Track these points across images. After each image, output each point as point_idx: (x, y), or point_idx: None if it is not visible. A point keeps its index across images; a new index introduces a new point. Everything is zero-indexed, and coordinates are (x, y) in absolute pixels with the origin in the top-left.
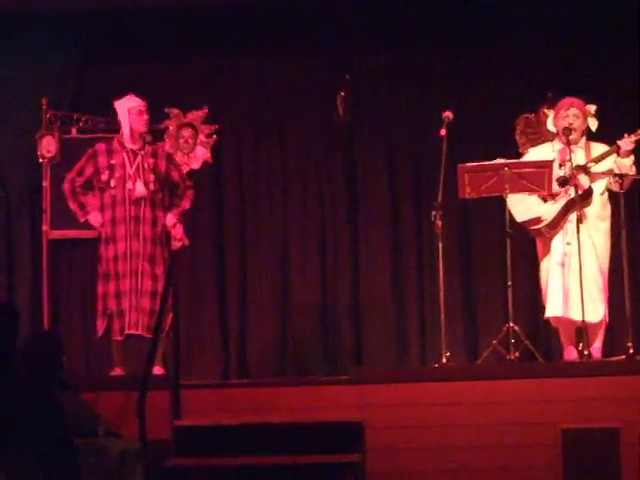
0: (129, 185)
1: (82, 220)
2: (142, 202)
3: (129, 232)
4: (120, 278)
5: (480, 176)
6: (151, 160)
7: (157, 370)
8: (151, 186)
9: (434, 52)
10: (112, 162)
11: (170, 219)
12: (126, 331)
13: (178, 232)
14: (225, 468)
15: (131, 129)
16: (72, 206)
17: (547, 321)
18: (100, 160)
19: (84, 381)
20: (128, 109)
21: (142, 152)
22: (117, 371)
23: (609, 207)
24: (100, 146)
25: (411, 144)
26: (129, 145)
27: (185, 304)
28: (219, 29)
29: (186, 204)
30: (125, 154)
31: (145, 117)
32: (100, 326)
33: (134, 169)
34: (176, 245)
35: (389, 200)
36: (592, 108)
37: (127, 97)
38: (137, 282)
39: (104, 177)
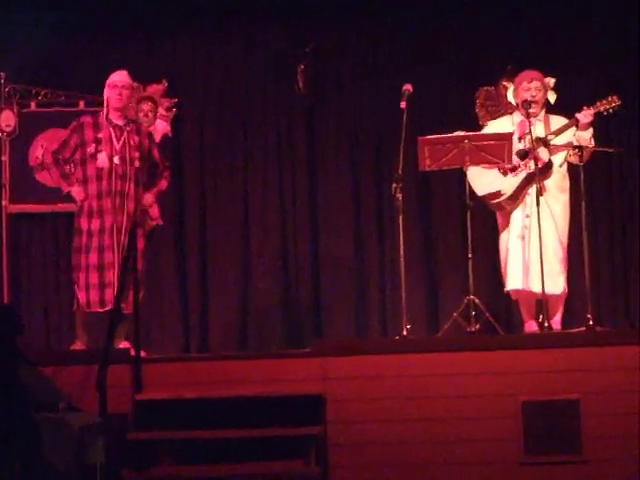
0: (116, 160)
1: (65, 191)
2: (127, 178)
3: (115, 206)
4: (104, 251)
5: (440, 149)
6: (136, 137)
7: (124, 345)
8: (136, 163)
9: (395, 23)
10: (99, 136)
11: (148, 198)
12: (108, 305)
13: (154, 212)
14: (186, 441)
15: (107, 103)
16: (55, 175)
17: (507, 294)
18: (86, 132)
19: (44, 355)
20: (107, 83)
21: (127, 128)
22: (78, 345)
23: (568, 179)
24: (86, 119)
25: (372, 116)
26: (115, 120)
27: (146, 279)
28: (179, 2)
29: (164, 184)
30: (112, 129)
31: (121, 92)
32: (82, 298)
33: (120, 144)
34: (151, 224)
35: (350, 172)
36: (551, 81)
37: (116, 72)
38: (116, 256)
39: (90, 149)
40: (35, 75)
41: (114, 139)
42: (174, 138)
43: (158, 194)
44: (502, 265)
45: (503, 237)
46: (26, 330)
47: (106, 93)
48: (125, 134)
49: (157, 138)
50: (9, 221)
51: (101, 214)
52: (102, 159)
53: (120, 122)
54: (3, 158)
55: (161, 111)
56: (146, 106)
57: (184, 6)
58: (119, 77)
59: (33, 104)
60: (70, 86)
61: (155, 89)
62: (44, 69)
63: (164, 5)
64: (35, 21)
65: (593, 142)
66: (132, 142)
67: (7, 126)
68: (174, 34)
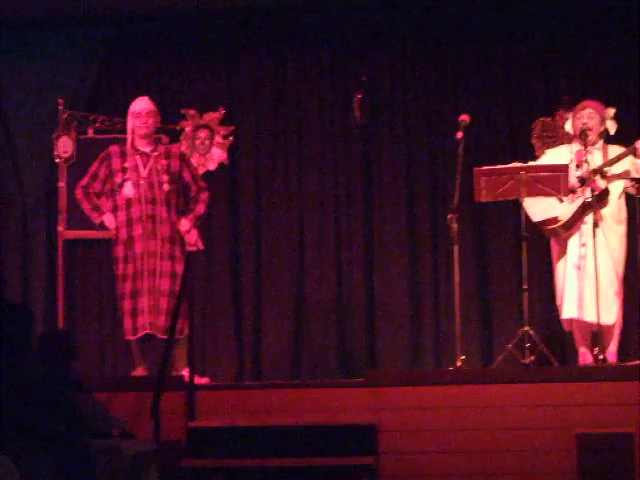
0: (143, 186)
1: (97, 222)
2: (157, 202)
3: (146, 232)
4: (137, 278)
5: (496, 180)
6: (164, 161)
7: (186, 373)
8: (165, 187)
9: (452, 53)
10: (125, 165)
11: (185, 224)
12: (140, 332)
13: (192, 237)
14: (239, 470)
15: (133, 131)
16: (86, 208)
17: (561, 323)
18: (114, 162)
19: (98, 381)
20: (130, 112)
21: (155, 153)
22: (139, 371)
23: (625, 211)
24: (113, 148)
25: (428, 147)
26: (141, 147)
27: (200, 306)
28: (236, 29)
29: (201, 208)
30: (138, 156)
31: (144, 121)
32: (125, 326)
33: (147, 171)
34: (190, 250)
35: (405, 203)
36: (611, 111)
37: (137, 100)
38: (154, 282)
39: (117, 179)
40: (93, 102)
41: (140, 166)
42: (230, 166)
43: (195, 219)
44: (558, 294)
45: (559, 266)
46: (80, 356)
47: (130, 122)
48: (152, 159)
49: (213, 166)
50: (65, 247)
51: (131, 241)
52: (128, 188)
53: (147, 149)
54: (61, 184)
55: (217, 139)
56: (203, 134)
57: (241, 33)
58: (141, 105)
59: (91, 131)
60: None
61: (212, 117)
62: (102, 96)
63: (221, 32)
64: (91, 46)
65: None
66: (160, 166)
67: (65, 152)
68: (231, 61)
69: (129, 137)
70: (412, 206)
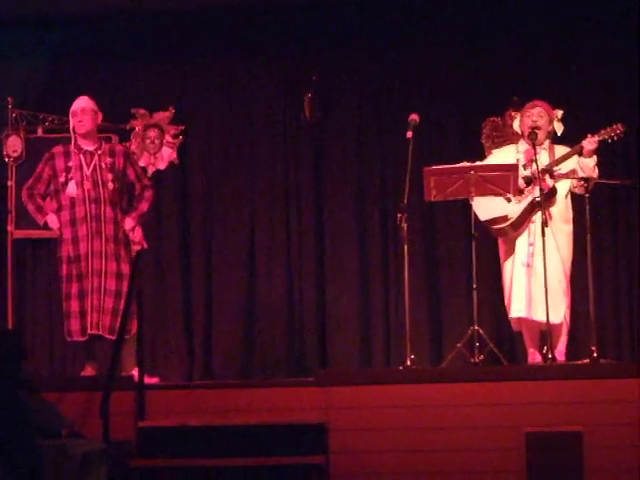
0: (87, 185)
1: (41, 223)
2: (102, 201)
3: (90, 231)
4: (83, 278)
5: (446, 179)
6: (109, 159)
7: (135, 372)
8: (109, 185)
9: (402, 53)
10: (69, 164)
11: (129, 222)
12: (88, 331)
13: (137, 235)
14: (189, 469)
15: (73, 130)
16: (30, 209)
17: (510, 322)
18: (57, 162)
19: (48, 381)
20: (70, 111)
21: (99, 152)
22: (88, 371)
23: (571, 210)
24: (57, 149)
25: (378, 146)
26: (85, 146)
27: (150, 305)
28: (186, 29)
29: (144, 206)
30: (82, 155)
31: (82, 118)
32: (67, 327)
33: (91, 169)
34: (135, 249)
35: (356, 202)
36: (559, 113)
37: (76, 99)
38: (100, 281)
39: (61, 179)
40: (42, 101)
41: (84, 165)
42: (180, 165)
43: (139, 217)
44: (506, 293)
45: (507, 265)
46: (29, 356)
47: (70, 121)
48: (96, 158)
49: (163, 165)
50: (14, 246)
51: (76, 241)
52: (71, 187)
53: (90, 147)
54: (9, 183)
55: (167, 138)
56: (153, 133)
57: (191, 34)
58: (78, 103)
59: (40, 130)
60: None
61: (162, 116)
62: (51, 95)
63: (171, 33)
64: (41, 46)
65: (597, 170)
66: (104, 165)
67: (14, 152)
68: (180, 61)
69: (72, 136)
70: (362, 205)
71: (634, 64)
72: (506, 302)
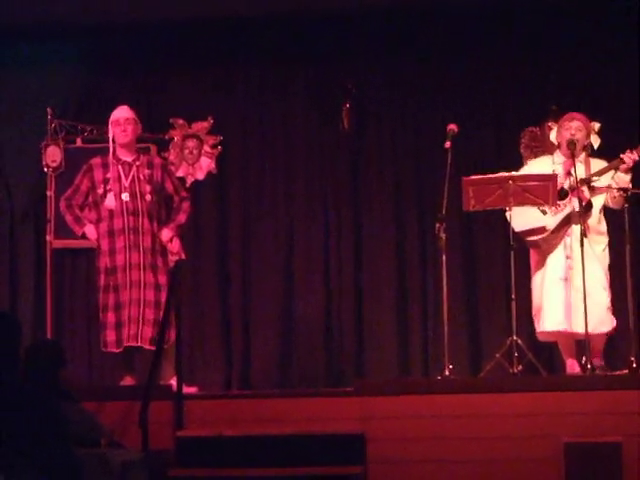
0: (125, 197)
1: (79, 233)
2: (139, 213)
3: (128, 243)
4: (119, 290)
5: (484, 189)
6: (147, 171)
7: (174, 382)
8: (147, 197)
9: (441, 63)
10: (107, 176)
11: (166, 233)
12: (125, 343)
13: (175, 247)
14: (227, 479)
15: (113, 141)
16: (69, 220)
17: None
18: (96, 174)
19: (87, 390)
20: (111, 121)
21: (137, 163)
22: (127, 380)
23: (605, 223)
24: (95, 160)
25: (416, 156)
26: (123, 157)
27: (189, 315)
28: (225, 40)
29: (182, 217)
30: (120, 166)
31: (125, 128)
32: (102, 338)
33: (129, 181)
34: (173, 259)
35: (393, 212)
36: (596, 125)
37: (117, 108)
38: (139, 293)
39: (100, 191)
40: (81, 111)
41: (122, 176)
42: (219, 175)
43: (177, 228)
44: (535, 305)
45: (537, 277)
46: (68, 365)
47: (110, 131)
48: (134, 169)
49: (202, 175)
50: (53, 256)
51: (113, 253)
52: (109, 200)
53: (129, 158)
54: (49, 193)
55: (206, 148)
56: (191, 143)
57: (229, 44)
58: (120, 113)
59: (79, 140)
60: None
61: (200, 126)
62: (91, 105)
63: (209, 42)
64: (80, 56)
65: (631, 187)
66: (142, 176)
67: (53, 162)
68: (219, 71)
69: (110, 146)
70: (400, 216)
71: None
72: (534, 313)
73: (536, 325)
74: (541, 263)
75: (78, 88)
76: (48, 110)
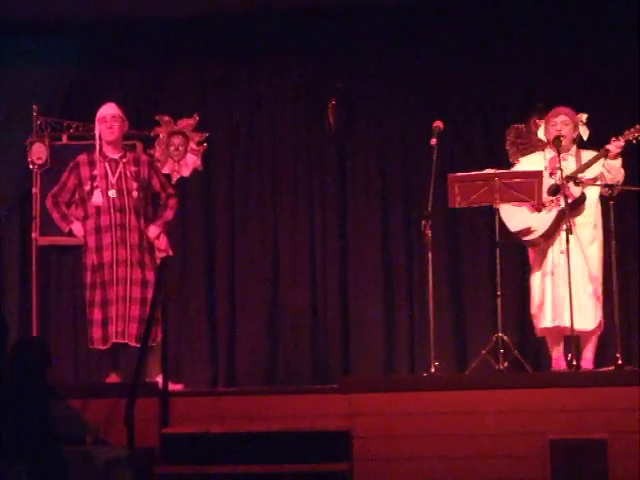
0: (112, 194)
1: (66, 230)
2: (126, 210)
3: (115, 239)
4: (106, 286)
5: (470, 186)
6: (133, 168)
7: (160, 379)
8: (134, 194)
9: (426, 61)
10: (94, 173)
11: (153, 230)
12: (112, 340)
13: (162, 243)
14: (213, 476)
15: (100, 138)
16: (55, 217)
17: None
18: (82, 171)
19: (73, 388)
20: (97, 118)
21: (124, 160)
22: (112, 378)
23: (599, 217)
24: (82, 157)
25: (402, 153)
26: (110, 154)
27: (174, 313)
28: (211, 37)
29: (169, 214)
30: (107, 164)
31: (112, 125)
32: (89, 335)
33: (116, 177)
34: (160, 256)
35: (380, 209)
36: (583, 117)
37: (104, 106)
38: (125, 290)
39: (87, 188)
40: (66, 108)
41: (109, 173)
42: (204, 172)
43: (164, 225)
44: (534, 304)
45: (536, 275)
46: (54, 363)
47: (97, 128)
48: (121, 166)
49: (187, 172)
50: (39, 253)
51: (100, 249)
52: (96, 197)
53: (115, 155)
54: (34, 190)
55: (192, 145)
56: (177, 140)
57: (215, 41)
58: (107, 110)
59: (65, 137)
60: None
61: (186, 123)
62: (76, 102)
63: (195, 39)
64: (65, 53)
65: (623, 171)
66: (129, 173)
67: (38, 159)
68: (204, 68)
69: (97, 143)
70: (386, 212)
71: None
72: (532, 312)
73: (537, 322)
74: (540, 260)
75: (64, 85)
76: (34, 107)
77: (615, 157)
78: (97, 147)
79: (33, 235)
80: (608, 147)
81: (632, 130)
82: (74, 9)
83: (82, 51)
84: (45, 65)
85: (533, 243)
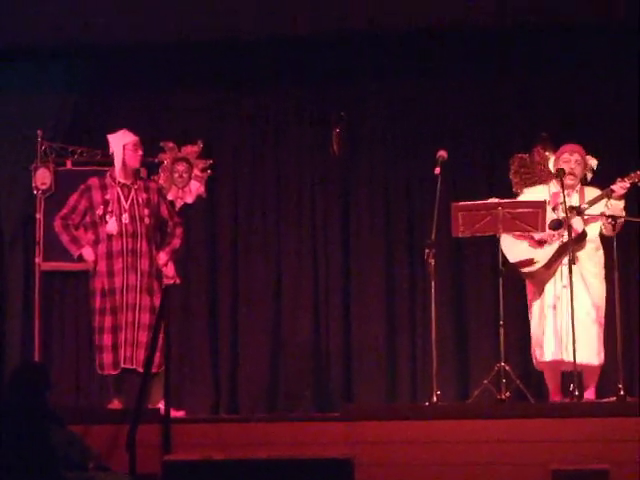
0: (125, 219)
1: (76, 255)
2: (138, 236)
3: (126, 265)
4: (117, 312)
5: (474, 215)
6: (144, 195)
7: (162, 406)
8: (146, 220)
9: (430, 90)
10: (106, 197)
11: (162, 257)
12: (122, 365)
13: (170, 270)
14: None
15: (124, 164)
16: (65, 240)
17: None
18: (94, 195)
19: (75, 413)
20: (123, 145)
21: (135, 186)
22: (115, 404)
23: (602, 251)
24: (93, 181)
25: (406, 182)
26: (122, 180)
27: (177, 340)
28: (214, 64)
29: (177, 242)
30: (119, 189)
31: (139, 153)
32: (99, 361)
33: (129, 204)
34: (167, 283)
35: (383, 237)
36: (593, 163)
37: (122, 132)
38: (134, 315)
39: (99, 212)
40: (71, 134)
41: (122, 198)
42: (208, 199)
43: (172, 252)
44: (534, 336)
45: (534, 308)
46: (56, 388)
47: (122, 154)
48: (133, 192)
49: (191, 199)
50: (42, 278)
51: (111, 275)
52: (111, 225)
53: (128, 181)
54: (38, 216)
55: (196, 172)
56: (181, 167)
57: (220, 68)
58: (131, 137)
59: (69, 162)
60: (106, 145)
61: (190, 150)
62: (80, 128)
63: (200, 66)
64: (69, 79)
65: (624, 213)
66: (141, 200)
67: (43, 184)
68: (209, 95)
69: (118, 169)
70: (390, 241)
71: None
72: (533, 344)
73: (535, 355)
74: (538, 293)
75: (68, 110)
76: (38, 132)
77: (619, 198)
78: (118, 171)
79: (36, 260)
80: (613, 187)
81: (638, 173)
82: (78, 35)
83: (86, 77)
84: (50, 90)
85: (533, 275)
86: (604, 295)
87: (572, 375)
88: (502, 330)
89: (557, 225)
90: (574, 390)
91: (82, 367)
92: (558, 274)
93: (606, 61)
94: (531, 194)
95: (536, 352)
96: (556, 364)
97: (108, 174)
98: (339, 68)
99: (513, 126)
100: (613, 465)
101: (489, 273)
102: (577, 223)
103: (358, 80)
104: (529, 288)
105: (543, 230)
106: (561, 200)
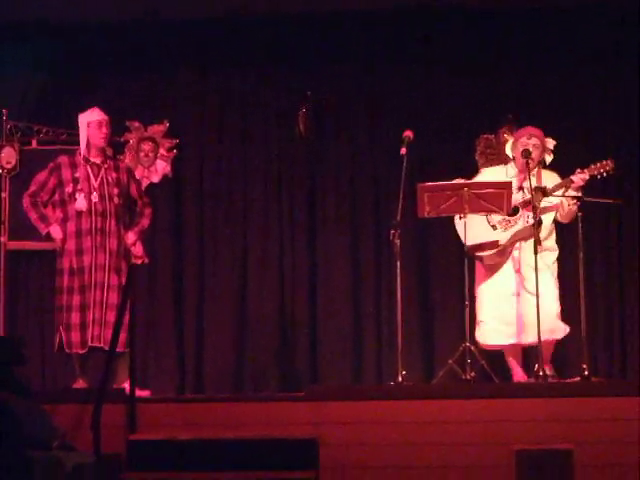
0: (94, 198)
1: (44, 232)
2: (107, 215)
3: (95, 244)
4: (85, 290)
5: (439, 196)
6: (114, 174)
7: (127, 385)
8: (115, 200)
9: (397, 69)
10: (76, 175)
11: (131, 237)
12: (89, 344)
13: (138, 250)
14: None
15: (88, 142)
16: (33, 218)
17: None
18: (64, 173)
19: (40, 393)
20: (87, 122)
21: (105, 165)
22: (80, 383)
23: (554, 236)
24: (63, 159)
25: (372, 162)
26: (92, 159)
27: (143, 319)
28: (182, 44)
29: (145, 222)
30: (89, 167)
31: (104, 131)
32: (59, 340)
33: (98, 182)
34: (136, 262)
35: (349, 218)
36: (551, 144)
37: (90, 110)
38: (102, 295)
39: (68, 190)
40: (37, 112)
41: (92, 177)
42: (174, 179)
43: (140, 232)
44: (480, 317)
45: (483, 289)
46: (27, 361)
47: (86, 132)
48: (103, 171)
49: (157, 178)
50: (7, 258)
51: (80, 253)
52: (80, 201)
53: (97, 160)
54: (3, 195)
55: (162, 151)
56: (147, 146)
57: (186, 48)
58: (98, 114)
59: (34, 141)
60: (72, 124)
61: (156, 129)
62: (46, 107)
63: (166, 46)
64: (36, 58)
65: (576, 207)
66: (110, 179)
67: (8, 163)
68: (175, 74)
69: (83, 147)
70: (355, 221)
71: (632, 94)
72: (477, 321)
73: (477, 333)
74: (487, 276)
75: (33, 90)
76: (3, 111)
77: (577, 189)
78: (83, 150)
79: (2, 239)
80: (572, 178)
81: (599, 165)
82: (44, 13)
83: (53, 56)
84: (14, 69)
85: (485, 259)
86: (557, 275)
87: (536, 355)
88: (467, 310)
89: (514, 211)
90: (538, 370)
91: (47, 347)
92: (510, 260)
93: (579, 46)
94: (489, 173)
95: (486, 334)
96: (519, 346)
97: (78, 152)
98: (306, 48)
99: (479, 107)
100: (577, 445)
101: (455, 254)
102: (539, 203)
103: (325, 60)
104: (479, 271)
105: (509, 211)
106: (525, 180)
